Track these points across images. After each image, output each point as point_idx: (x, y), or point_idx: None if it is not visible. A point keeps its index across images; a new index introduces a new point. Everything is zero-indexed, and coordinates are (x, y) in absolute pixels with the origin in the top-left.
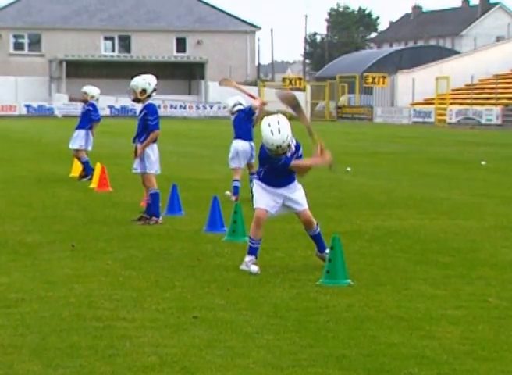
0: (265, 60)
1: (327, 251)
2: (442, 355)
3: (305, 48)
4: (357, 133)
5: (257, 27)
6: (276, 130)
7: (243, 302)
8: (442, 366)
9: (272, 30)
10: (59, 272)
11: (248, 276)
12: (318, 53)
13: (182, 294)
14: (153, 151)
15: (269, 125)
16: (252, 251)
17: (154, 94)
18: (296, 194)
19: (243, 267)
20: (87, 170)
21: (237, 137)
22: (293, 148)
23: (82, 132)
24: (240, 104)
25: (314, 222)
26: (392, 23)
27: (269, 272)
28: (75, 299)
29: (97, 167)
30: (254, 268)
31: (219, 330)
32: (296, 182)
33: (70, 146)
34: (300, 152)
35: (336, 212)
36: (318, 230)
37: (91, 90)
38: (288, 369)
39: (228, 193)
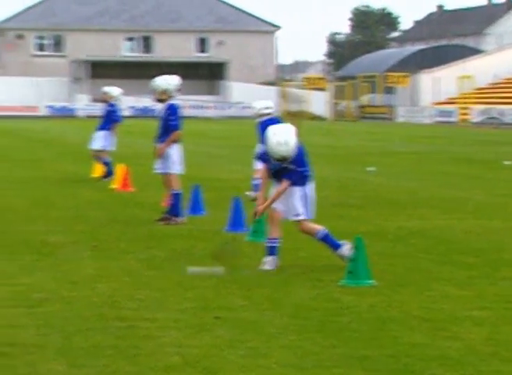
0: (287, 60)
1: (344, 247)
2: (467, 357)
3: (327, 48)
4: (379, 132)
5: (278, 27)
6: (283, 140)
7: (265, 303)
8: (466, 367)
9: (292, 30)
10: (82, 272)
11: (270, 277)
12: (340, 52)
13: (204, 294)
14: (175, 152)
15: (276, 135)
16: (270, 250)
17: (176, 94)
18: (290, 200)
19: (262, 267)
20: (109, 171)
21: None
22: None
23: (103, 133)
24: (271, 107)
25: (313, 231)
26: (416, 22)
27: (292, 272)
28: (98, 299)
29: (120, 167)
30: (269, 266)
31: (241, 331)
32: (296, 188)
33: (91, 147)
34: (297, 167)
35: (358, 213)
36: (321, 235)
37: (112, 90)
38: (310, 370)
39: (248, 193)
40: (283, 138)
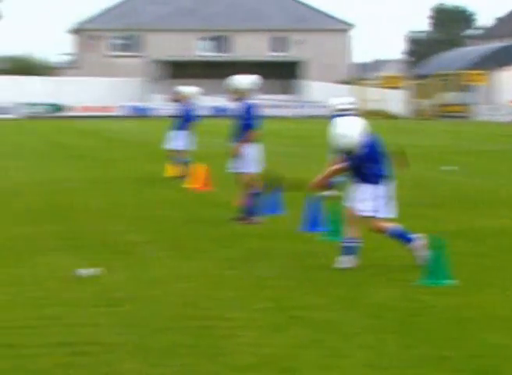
0: (367, 58)
1: (416, 242)
2: None
3: (406, 46)
4: (458, 131)
5: (352, 25)
6: (343, 133)
7: (343, 302)
8: None
9: (372, 28)
10: (159, 271)
11: (347, 276)
12: (419, 50)
13: (281, 293)
14: (250, 151)
15: (338, 126)
16: (348, 250)
17: (253, 93)
18: (359, 197)
19: (338, 266)
20: (186, 170)
21: None
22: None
23: (179, 132)
24: (350, 104)
25: (384, 228)
26: (497, 19)
27: (369, 272)
28: (175, 298)
29: (200, 167)
30: (346, 265)
31: (319, 330)
32: (367, 185)
33: (169, 146)
34: (368, 164)
35: (437, 212)
36: (391, 231)
37: (186, 90)
38: (389, 370)
39: (325, 193)
40: (344, 131)
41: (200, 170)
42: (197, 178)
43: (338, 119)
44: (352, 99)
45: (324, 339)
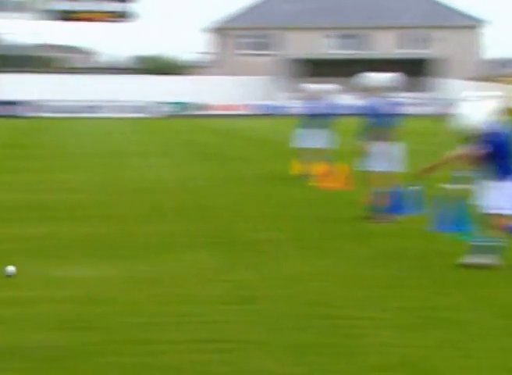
0: (503, 55)
1: None
2: None
3: None
4: None
5: (485, 21)
6: (464, 113)
7: (476, 302)
8: None
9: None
10: (289, 270)
11: (480, 276)
12: None
13: (412, 293)
14: (382, 149)
15: (462, 107)
16: (479, 248)
17: (387, 91)
18: (483, 190)
19: (464, 261)
20: (315, 169)
21: None
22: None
23: (314, 131)
24: (489, 97)
25: (504, 226)
26: None
27: (503, 272)
28: (306, 297)
29: (338, 166)
30: (473, 260)
31: (453, 331)
32: (490, 179)
33: (298, 145)
34: (485, 149)
35: None
36: (509, 228)
37: (318, 88)
38: None
39: (446, 186)
40: (469, 114)
41: (340, 169)
42: (338, 177)
43: (466, 104)
44: (497, 93)
45: (458, 340)
